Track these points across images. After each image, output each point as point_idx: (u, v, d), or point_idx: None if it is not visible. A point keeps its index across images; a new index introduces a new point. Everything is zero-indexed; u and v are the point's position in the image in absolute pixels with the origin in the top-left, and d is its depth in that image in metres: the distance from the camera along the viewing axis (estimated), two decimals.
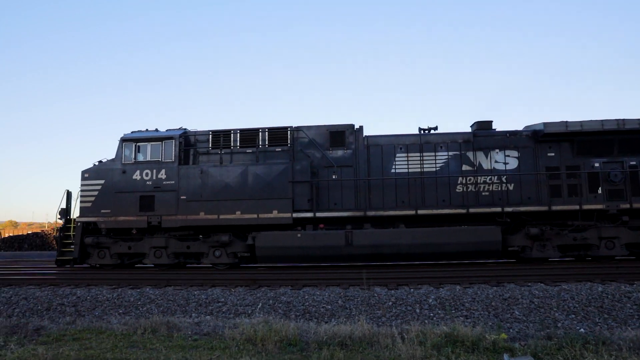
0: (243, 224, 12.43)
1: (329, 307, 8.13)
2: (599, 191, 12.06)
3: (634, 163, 12.13)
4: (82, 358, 5.05)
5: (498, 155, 12.56)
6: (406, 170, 12.65)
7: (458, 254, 12.18)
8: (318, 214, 12.18)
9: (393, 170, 12.70)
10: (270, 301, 8.53)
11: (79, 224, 13.07)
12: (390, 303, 8.12)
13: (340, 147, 12.88)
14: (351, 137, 12.89)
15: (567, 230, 11.90)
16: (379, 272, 10.85)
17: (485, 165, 12.53)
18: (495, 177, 12.42)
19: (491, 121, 13.30)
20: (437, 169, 12.64)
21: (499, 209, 11.95)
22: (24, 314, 8.40)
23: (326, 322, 7.00)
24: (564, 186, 12.21)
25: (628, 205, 11.76)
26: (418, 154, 12.75)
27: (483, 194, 12.38)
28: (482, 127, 13.19)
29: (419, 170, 12.63)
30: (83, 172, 13.34)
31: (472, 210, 12.00)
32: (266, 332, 5.68)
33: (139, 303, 8.81)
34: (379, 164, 12.74)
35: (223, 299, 8.80)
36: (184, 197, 12.59)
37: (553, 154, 12.42)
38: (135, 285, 10.29)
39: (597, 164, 12.22)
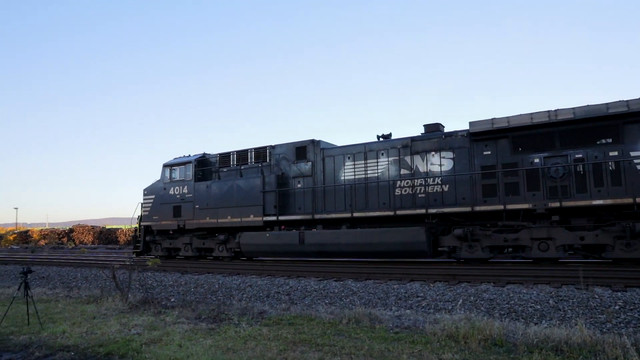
0: (233, 226, 15.71)
1: (538, 307, 7.40)
2: (540, 189, 11.26)
3: (581, 156, 10.89)
4: (297, 341, 5.62)
5: (434, 158, 12.83)
6: (353, 177, 14.06)
7: (388, 253, 12.94)
8: (280, 217, 14.74)
9: (342, 178, 14.26)
10: (472, 298, 8.18)
11: (142, 227, 18.14)
12: (617, 307, 6.97)
13: (302, 160, 15.13)
14: (311, 151, 14.99)
15: (492, 231, 11.62)
16: (598, 270, 9.45)
17: (422, 168, 12.99)
18: (430, 179, 12.73)
19: (438, 124, 13.49)
20: (379, 174, 13.60)
21: (423, 211, 12.31)
22: (250, 299, 9.75)
23: (535, 324, 6.39)
24: (501, 185, 11.71)
25: (557, 204, 10.75)
26: (363, 162, 13.96)
27: (419, 196, 12.80)
28: (431, 130, 13.44)
29: (363, 176, 13.85)
30: (144, 190, 18.38)
31: (399, 212, 12.72)
32: (468, 330, 5.46)
33: (342, 294, 9.39)
34: (332, 173, 14.47)
35: (422, 294, 8.78)
36: (198, 206, 16.55)
37: (489, 153, 12.06)
38: (339, 277, 11.02)
39: (537, 160, 11.38)
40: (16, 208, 74.74)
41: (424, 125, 13.56)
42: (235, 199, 15.59)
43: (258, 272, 12.51)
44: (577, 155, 10.94)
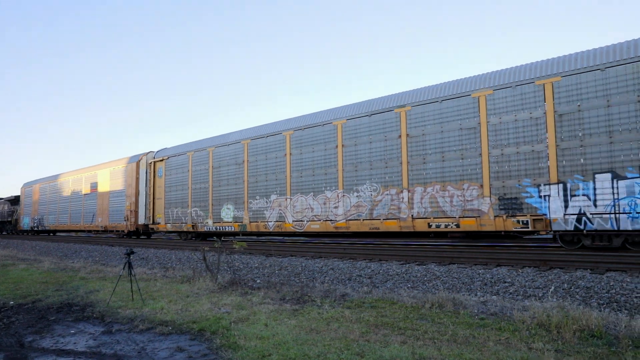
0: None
1: None
2: None
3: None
4: (380, 324, 5.63)
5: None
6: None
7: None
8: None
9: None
10: (565, 285, 7.67)
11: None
12: None
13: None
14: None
15: None
16: None
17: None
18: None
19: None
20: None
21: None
22: (332, 282, 9.92)
23: None
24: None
25: None
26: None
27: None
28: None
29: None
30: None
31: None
32: (562, 319, 5.14)
33: (425, 279, 9.24)
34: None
35: (510, 280, 8.40)
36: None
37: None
38: (421, 262, 10.84)
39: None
40: None
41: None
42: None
43: (340, 256, 12.66)
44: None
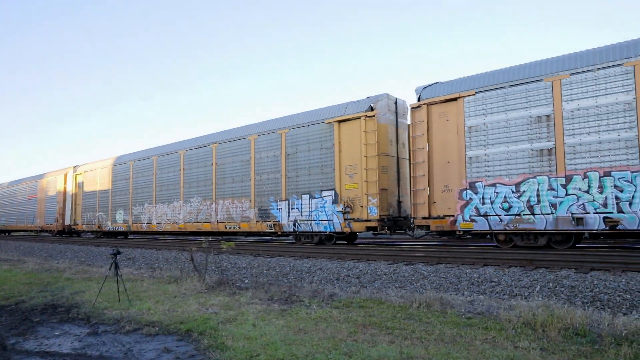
0: None
1: (628, 296, 6.88)
2: None
3: None
4: (367, 324, 5.64)
5: None
6: None
7: None
8: None
9: None
10: (550, 284, 7.77)
11: None
12: None
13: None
14: None
15: None
16: None
17: None
18: None
19: None
20: None
21: None
22: (320, 282, 9.92)
23: (625, 314, 5.95)
24: None
25: None
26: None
27: None
28: None
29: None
30: None
31: None
32: (547, 318, 5.20)
33: (413, 278, 9.29)
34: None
35: (496, 279, 8.48)
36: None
37: None
38: (409, 261, 10.90)
39: None
40: None
41: None
42: None
43: (328, 256, 12.67)
44: None
